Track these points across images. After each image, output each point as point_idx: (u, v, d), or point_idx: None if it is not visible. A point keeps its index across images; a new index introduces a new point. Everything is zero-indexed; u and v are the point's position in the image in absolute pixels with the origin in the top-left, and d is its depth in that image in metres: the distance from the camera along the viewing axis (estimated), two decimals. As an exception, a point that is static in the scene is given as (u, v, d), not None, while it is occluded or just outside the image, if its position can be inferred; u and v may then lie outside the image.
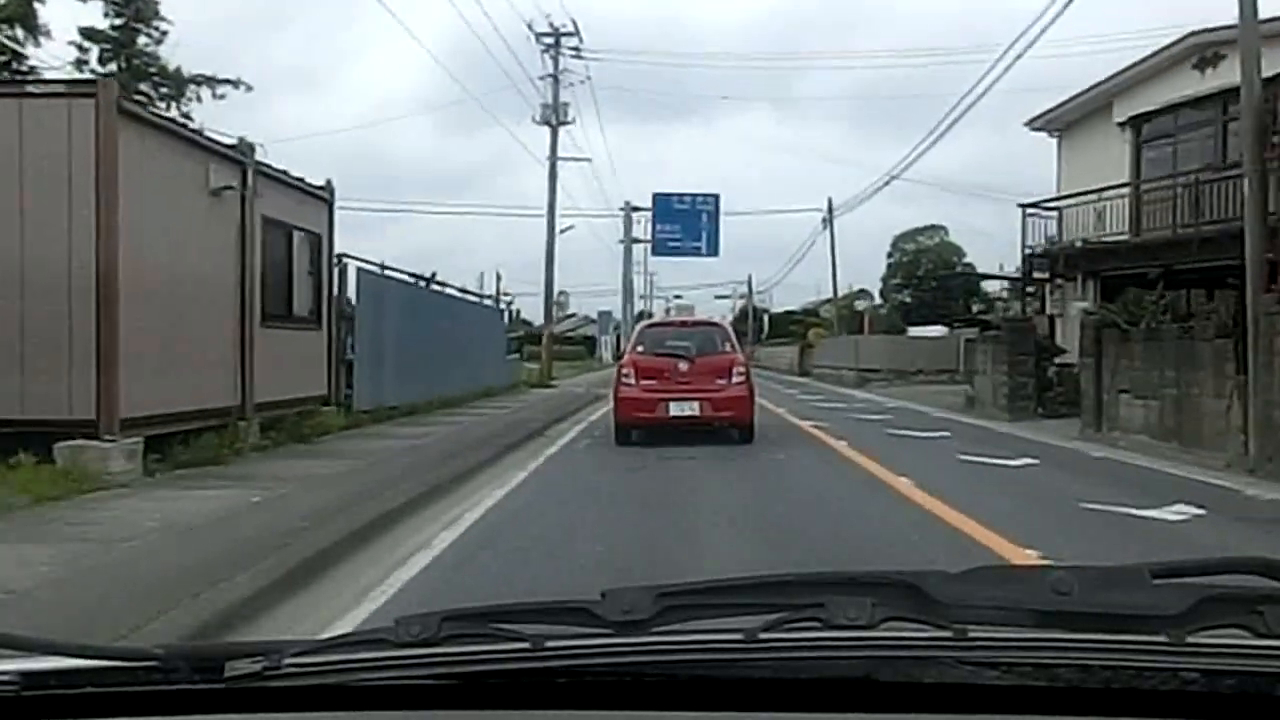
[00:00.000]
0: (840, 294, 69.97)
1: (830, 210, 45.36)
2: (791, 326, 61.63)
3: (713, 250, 37.65)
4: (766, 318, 73.89)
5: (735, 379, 12.83)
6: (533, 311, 78.01)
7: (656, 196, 37.74)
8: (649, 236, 38.84)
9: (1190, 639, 1.02)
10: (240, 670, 1.07)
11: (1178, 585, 1.08)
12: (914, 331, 41.97)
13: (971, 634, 1.04)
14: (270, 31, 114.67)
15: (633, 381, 12.88)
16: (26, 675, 1.09)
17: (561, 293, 33.27)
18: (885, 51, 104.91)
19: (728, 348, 13.49)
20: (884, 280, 61.17)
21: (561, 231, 34.75)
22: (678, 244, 37.56)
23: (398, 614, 1.14)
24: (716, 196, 37.85)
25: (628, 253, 40.76)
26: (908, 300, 57.50)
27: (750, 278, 77.81)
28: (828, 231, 45.73)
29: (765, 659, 1.06)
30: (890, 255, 61.49)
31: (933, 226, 60.94)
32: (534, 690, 1.07)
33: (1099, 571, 1.12)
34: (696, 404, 12.63)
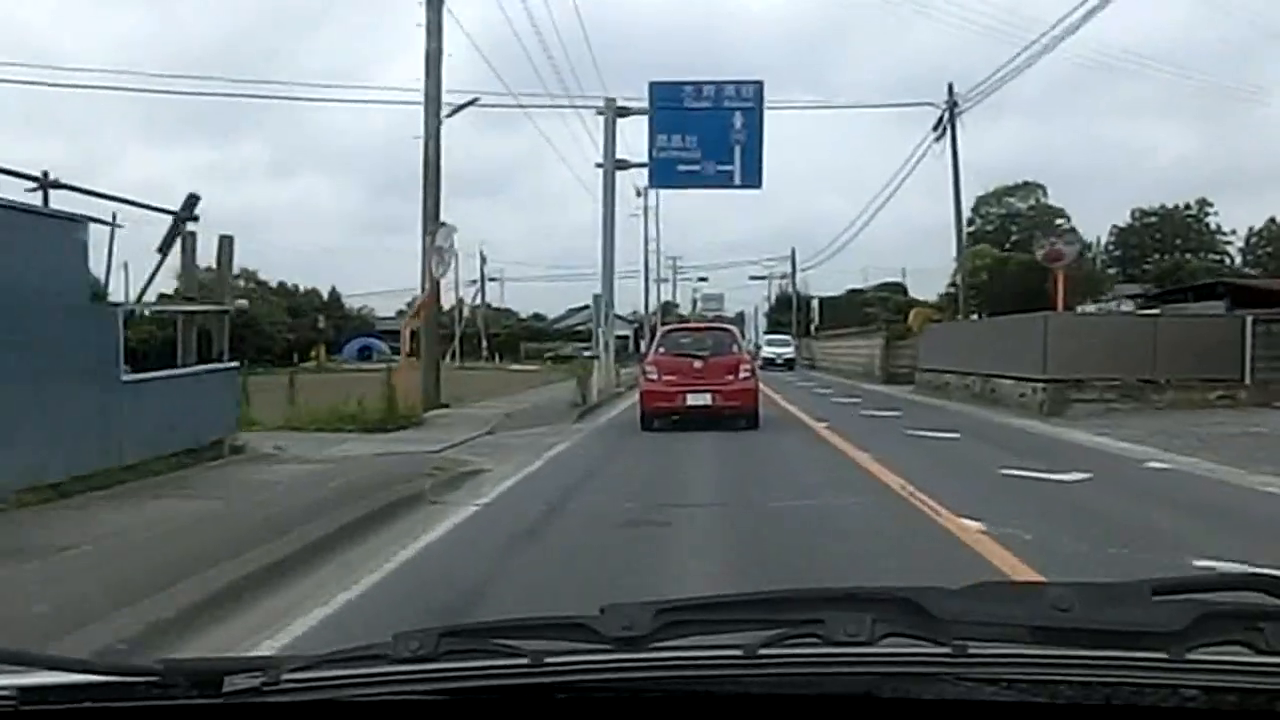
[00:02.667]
0: (873, 282, 55.83)
1: (952, 100, 29.09)
2: (867, 310, 48.75)
3: (752, 179, 22.15)
4: (817, 303, 60.40)
5: (742, 375, 15.48)
6: (542, 301, 66.12)
7: (655, 86, 22.29)
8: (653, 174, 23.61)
9: (1190, 656, 1.02)
10: (239, 685, 1.07)
11: (1178, 602, 1.08)
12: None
13: (971, 650, 1.03)
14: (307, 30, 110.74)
15: (656, 377, 15.49)
16: (24, 690, 1.09)
17: (443, 224, 17.98)
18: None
19: (735, 349, 16.28)
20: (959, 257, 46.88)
21: (449, 114, 18.94)
22: (693, 167, 22.04)
23: None
24: (759, 85, 22.30)
25: (609, 180, 23.47)
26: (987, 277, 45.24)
27: (794, 252, 65.86)
28: (946, 140, 29.63)
29: (765, 675, 1.06)
30: (970, 223, 48.56)
31: (1026, 184, 49.86)
32: (533, 706, 1.07)
33: (1099, 588, 1.12)
34: (710, 395, 14.95)
